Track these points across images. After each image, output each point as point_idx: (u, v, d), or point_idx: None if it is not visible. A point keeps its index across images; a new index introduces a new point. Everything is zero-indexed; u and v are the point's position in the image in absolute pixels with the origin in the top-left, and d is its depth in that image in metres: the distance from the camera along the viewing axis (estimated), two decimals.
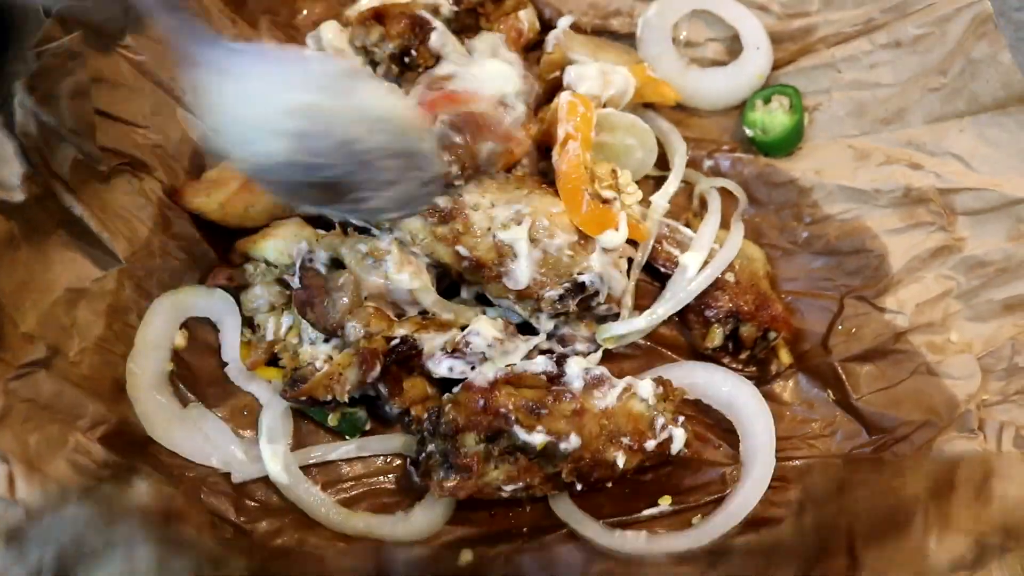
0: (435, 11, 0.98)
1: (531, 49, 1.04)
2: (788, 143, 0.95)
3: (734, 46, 1.02)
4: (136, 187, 0.88)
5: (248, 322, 0.90)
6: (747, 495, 0.79)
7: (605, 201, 0.84)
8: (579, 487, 0.78)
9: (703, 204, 0.95)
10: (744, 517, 0.78)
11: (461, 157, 0.83)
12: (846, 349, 0.88)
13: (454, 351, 0.82)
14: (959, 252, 0.85)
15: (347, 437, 0.87)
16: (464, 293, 0.90)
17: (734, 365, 0.90)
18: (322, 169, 0.67)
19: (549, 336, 0.87)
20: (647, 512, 0.82)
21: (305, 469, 0.85)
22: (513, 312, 0.87)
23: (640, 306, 0.90)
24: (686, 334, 0.92)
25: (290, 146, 0.65)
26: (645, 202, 0.94)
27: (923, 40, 0.88)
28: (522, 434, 0.75)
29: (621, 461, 0.77)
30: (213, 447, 0.84)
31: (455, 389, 0.81)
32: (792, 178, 0.94)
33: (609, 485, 0.81)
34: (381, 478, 0.86)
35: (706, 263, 0.88)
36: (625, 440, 0.77)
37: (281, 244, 0.88)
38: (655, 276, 0.92)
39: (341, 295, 0.82)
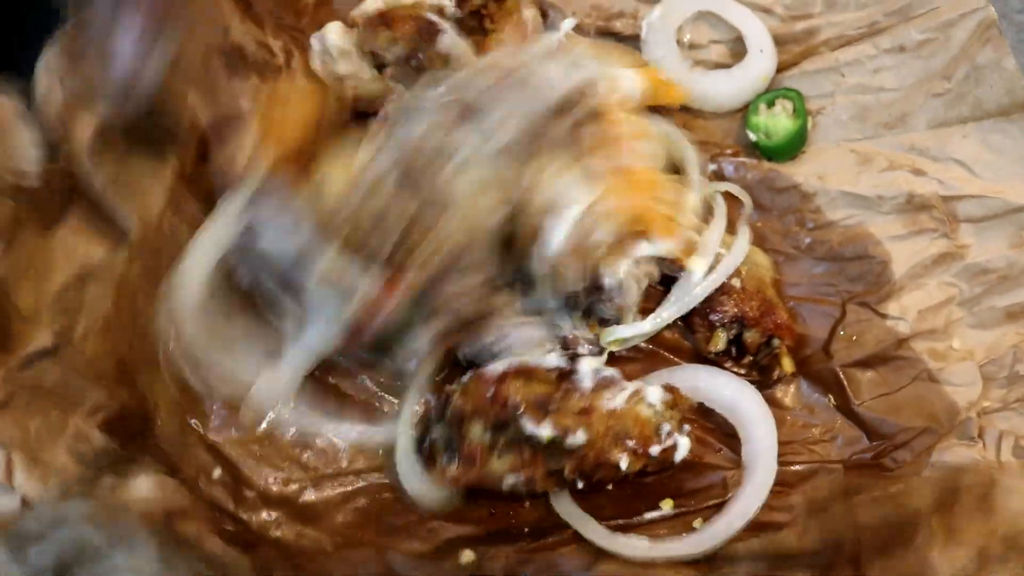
0: (440, 12, 0.98)
1: None
2: (791, 147, 0.96)
3: (738, 48, 1.02)
4: (149, 165, 0.87)
5: None
6: (749, 500, 0.79)
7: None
8: (580, 485, 0.78)
9: (708, 208, 0.95)
10: (746, 522, 0.78)
11: None
12: (848, 355, 0.88)
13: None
14: (961, 259, 0.86)
15: None
16: None
17: (736, 370, 0.90)
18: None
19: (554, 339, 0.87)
20: (649, 515, 0.81)
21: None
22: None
23: (645, 309, 0.90)
24: (688, 337, 0.92)
25: None
26: None
27: (927, 45, 0.89)
28: (530, 426, 0.75)
29: (624, 463, 0.77)
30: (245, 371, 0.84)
31: (465, 377, 0.81)
32: (795, 183, 0.95)
33: (610, 487, 0.81)
34: (381, 471, 0.86)
35: (712, 268, 0.88)
36: (630, 443, 0.77)
37: None
38: (660, 280, 0.92)
39: None
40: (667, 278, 0.91)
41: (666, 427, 0.78)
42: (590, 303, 0.85)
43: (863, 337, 0.88)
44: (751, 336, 0.87)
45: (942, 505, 0.68)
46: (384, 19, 0.97)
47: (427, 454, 0.79)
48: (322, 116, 0.97)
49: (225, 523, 0.79)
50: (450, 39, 0.94)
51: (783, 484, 0.82)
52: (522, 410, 0.76)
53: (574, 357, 0.81)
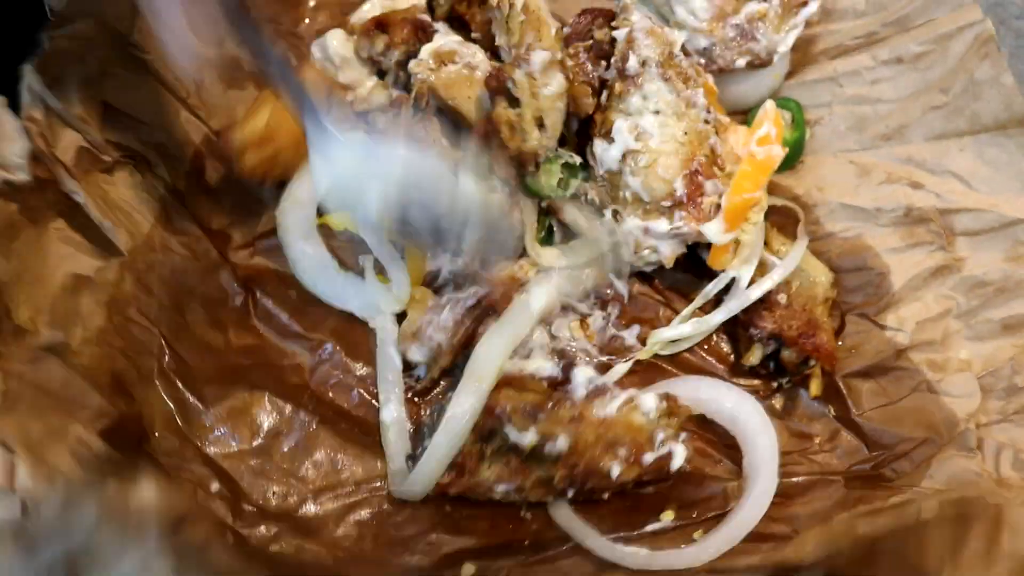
0: (431, 10, 0.98)
1: None
2: (789, 158, 0.96)
3: None
4: (138, 181, 0.87)
5: None
6: (749, 512, 0.79)
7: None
8: (571, 494, 0.78)
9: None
10: (746, 534, 0.78)
11: None
12: (847, 365, 0.88)
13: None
14: (958, 272, 0.86)
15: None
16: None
17: (748, 382, 0.90)
18: (416, 236, 0.81)
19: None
20: (649, 527, 0.81)
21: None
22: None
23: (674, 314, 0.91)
24: (694, 351, 0.92)
25: (391, 217, 0.78)
26: None
27: (925, 57, 0.89)
28: (513, 433, 0.75)
29: (616, 472, 0.77)
30: (354, 293, 0.89)
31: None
32: (795, 195, 0.95)
33: (605, 496, 0.81)
34: (380, 483, 0.85)
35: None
36: (622, 451, 0.77)
37: None
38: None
39: None
40: (693, 260, 0.90)
41: (660, 435, 0.78)
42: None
43: (862, 348, 0.89)
44: (788, 355, 0.86)
45: (950, 537, 0.68)
46: (380, 25, 0.96)
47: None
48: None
49: (225, 536, 0.78)
50: (444, 37, 0.94)
51: (783, 495, 0.82)
52: (508, 419, 0.76)
53: (568, 366, 0.81)
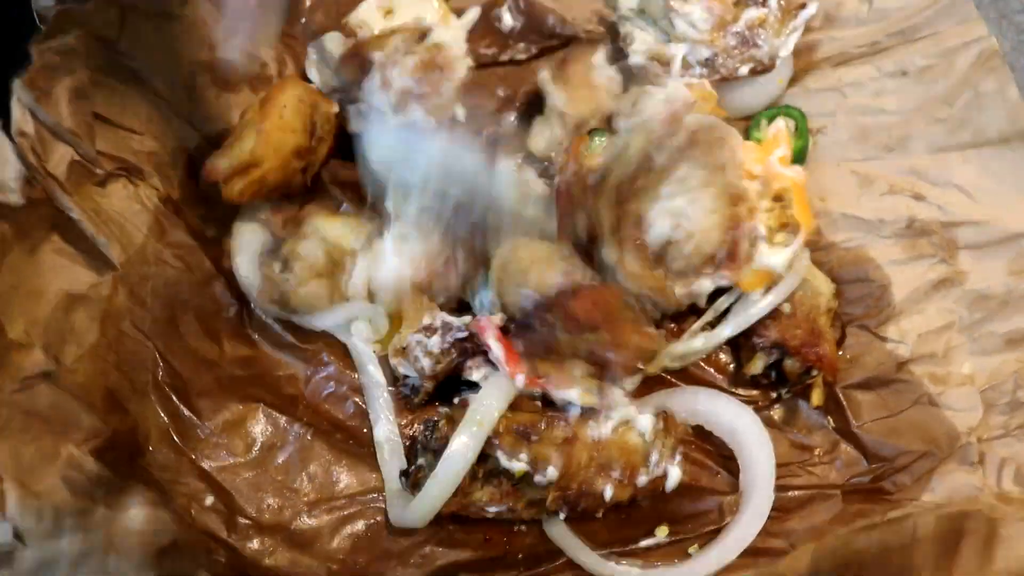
0: (421, 37, 0.96)
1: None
2: (798, 163, 0.94)
3: None
4: (132, 193, 0.87)
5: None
6: (745, 528, 0.78)
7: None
8: (563, 515, 0.77)
9: None
10: (741, 550, 0.77)
11: None
12: (847, 376, 0.87)
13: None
14: (961, 285, 0.85)
15: None
16: None
17: (747, 392, 0.89)
18: (455, 219, 0.85)
19: None
20: (644, 542, 0.81)
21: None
22: None
23: (682, 329, 0.90)
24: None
25: (434, 198, 0.84)
26: None
27: (929, 71, 0.88)
28: (503, 459, 0.75)
29: (609, 494, 0.76)
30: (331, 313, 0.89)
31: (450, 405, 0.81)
32: None
33: (599, 515, 0.80)
34: (375, 496, 0.85)
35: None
36: (615, 473, 0.76)
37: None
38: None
39: None
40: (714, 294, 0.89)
41: (655, 456, 0.78)
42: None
43: (863, 359, 0.88)
44: (791, 364, 0.85)
45: (944, 554, 0.68)
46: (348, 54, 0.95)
47: (413, 481, 0.79)
48: (315, 124, 0.96)
49: (218, 552, 0.78)
50: (371, 86, 0.92)
51: (781, 510, 0.81)
52: (499, 444, 0.75)
53: None
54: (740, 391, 0.90)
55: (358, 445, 0.87)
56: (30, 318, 0.75)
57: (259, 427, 0.87)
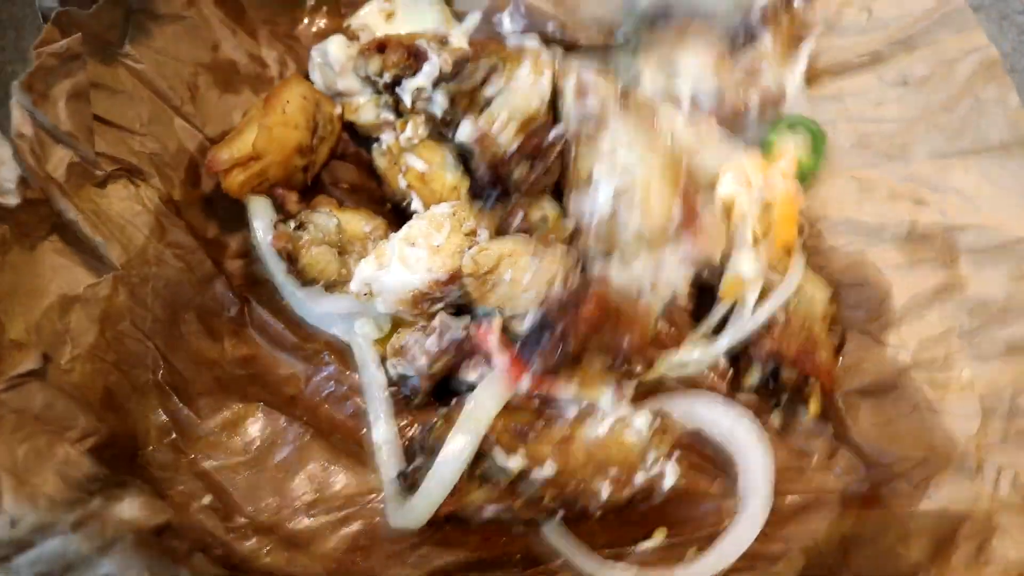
0: (443, 42, 0.97)
1: None
2: (803, 181, 0.93)
3: None
4: (132, 193, 0.87)
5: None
6: (742, 533, 0.78)
7: None
8: (560, 514, 0.77)
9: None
10: (739, 554, 0.77)
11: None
12: (847, 382, 0.87)
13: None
14: (962, 291, 0.85)
15: None
16: None
17: (747, 396, 0.89)
18: None
19: None
20: (642, 545, 0.81)
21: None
22: None
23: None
24: None
25: None
26: None
27: (930, 80, 0.88)
28: (500, 457, 0.75)
29: (606, 492, 0.76)
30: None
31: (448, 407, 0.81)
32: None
33: (598, 514, 0.80)
34: (372, 496, 0.85)
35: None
36: (612, 471, 0.76)
37: None
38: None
39: None
40: (703, 293, 0.89)
41: (652, 454, 0.77)
42: None
43: (862, 365, 0.88)
44: (787, 374, 0.85)
45: (940, 554, 0.68)
46: (379, 46, 0.96)
47: (410, 482, 0.79)
48: (318, 123, 0.96)
49: (214, 549, 0.78)
50: (431, 70, 0.92)
51: (778, 515, 0.81)
52: (496, 442, 0.75)
53: None
54: (740, 396, 0.89)
55: (356, 446, 0.87)
56: (30, 318, 0.76)
57: (258, 426, 0.87)
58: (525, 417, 0.78)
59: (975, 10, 0.89)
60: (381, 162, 0.96)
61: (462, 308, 0.87)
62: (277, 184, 0.92)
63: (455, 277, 0.82)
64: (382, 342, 0.89)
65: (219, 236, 0.95)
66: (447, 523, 0.81)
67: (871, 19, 0.93)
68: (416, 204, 0.91)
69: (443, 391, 0.85)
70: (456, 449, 0.75)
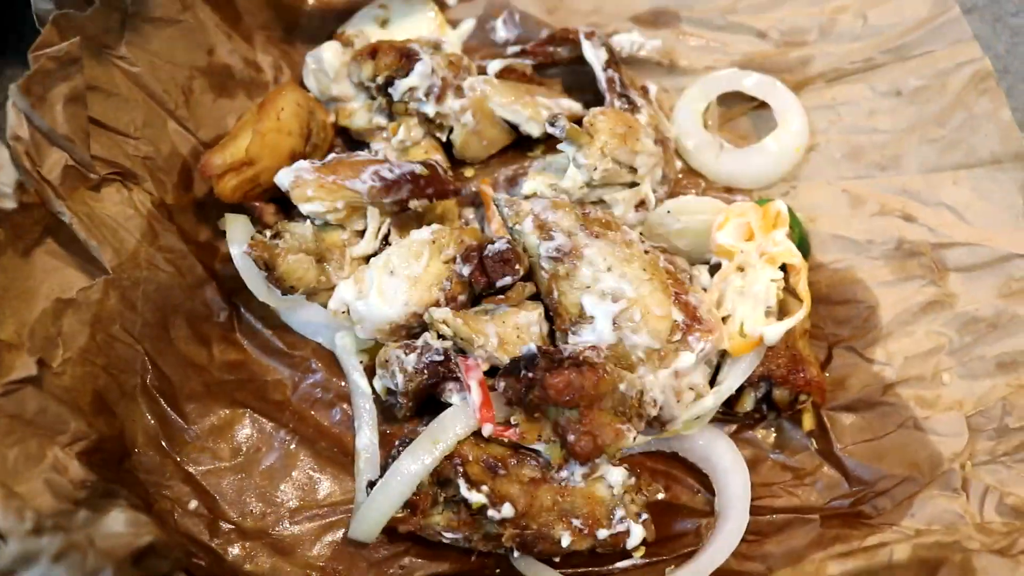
0: (436, 47, 0.97)
1: None
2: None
3: (761, 114, 1.01)
4: (125, 197, 0.88)
5: None
6: (717, 550, 0.78)
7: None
8: (516, 554, 0.77)
9: None
10: (713, 570, 0.77)
11: None
12: (832, 398, 0.87)
13: None
14: (951, 308, 0.84)
15: None
16: None
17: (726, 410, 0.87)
18: None
19: None
20: (620, 564, 0.80)
21: None
22: None
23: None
24: None
25: None
26: None
27: (923, 92, 0.87)
28: (463, 488, 0.75)
29: (566, 541, 0.75)
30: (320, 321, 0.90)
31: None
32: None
33: (556, 561, 0.79)
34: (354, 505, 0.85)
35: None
36: (576, 522, 0.76)
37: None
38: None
39: None
40: None
41: (619, 512, 0.76)
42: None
43: (848, 381, 0.87)
44: (780, 394, 0.84)
45: None
46: (372, 51, 0.96)
47: None
48: (311, 130, 0.97)
49: (199, 556, 0.79)
50: (423, 69, 0.92)
51: (758, 533, 0.81)
52: (461, 472, 0.75)
53: None
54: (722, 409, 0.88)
55: (342, 453, 0.88)
56: (21, 320, 0.76)
57: (245, 432, 0.88)
58: (500, 451, 0.77)
59: (968, 12, 0.88)
60: None
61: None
62: (269, 190, 0.92)
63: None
64: (372, 351, 0.90)
65: (210, 240, 0.96)
66: (412, 541, 0.81)
67: (865, 26, 0.92)
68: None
69: (432, 407, 0.85)
70: (405, 465, 0.75)
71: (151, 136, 0.91)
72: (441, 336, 0.83)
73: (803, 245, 0.90)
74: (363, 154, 0.93)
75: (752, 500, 0.81)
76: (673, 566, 0.80)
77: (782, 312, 0.84)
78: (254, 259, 0.84)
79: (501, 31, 1.05)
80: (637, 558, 0.81)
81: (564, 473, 0.77)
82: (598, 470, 0.78)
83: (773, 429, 0.88)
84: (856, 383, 0.86)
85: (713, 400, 0.82)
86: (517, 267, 0.81)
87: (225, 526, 0.83)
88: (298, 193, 0.87)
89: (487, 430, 0.76)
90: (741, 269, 0.84)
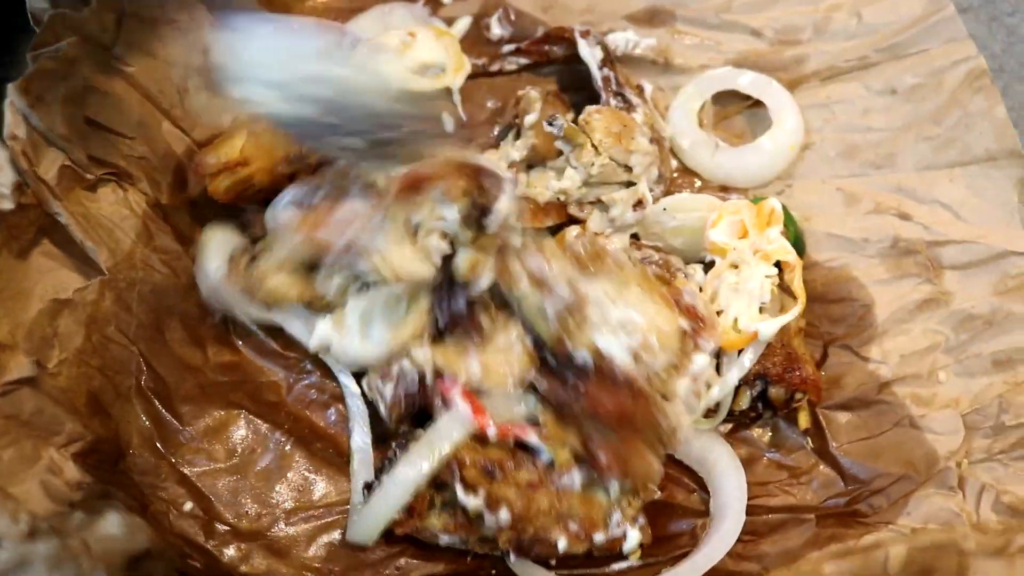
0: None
1: None
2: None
3: (756, 112, 1.00)
4: (120, 198, 0.87)
5: None
6: (712, 550, 0.78)
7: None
8: (512, 558, 0.77)
9: None
10: (708, 569, 0.77)
11: None
12: (828, 396, 0.87)
13: None
14: (946, 306, 0.84)
15: None
16: None
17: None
18: (341, 128, 0.74)
19: None
20: (616, 565, 0.80)
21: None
22: None
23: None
24: None
25: (314, 110, 0.72)
26: None
27: (918, 90, 0.87)
28: (459, 492, 0.75)
29: (563, 545, 0.75)
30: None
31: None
32: None
33: (552, 564, 0.80)
34: (350, 506, 0.85)
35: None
36: (573, 525, 0.76)
37: None
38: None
39: None
40: None
41: (616, 516, 0.76)
42: None
43: (844, 380, 0.87)
44: (776, 392, 0.84)
45: None
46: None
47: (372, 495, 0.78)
48: None
49: (194, 558, 0.79)
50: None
51: (753, 533, 0.81)
52: (458, 476, 0.75)
53: None
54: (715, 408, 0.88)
55: (337, 454, 0.88)
56: (16, 321, 0.76)
57: (240, 433, 0.88)
58: (498, 454, 0.77)
59: (964, 11, 0.88)
60: None
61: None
62: (262, 191, 0.92)
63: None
64: None
65: None
66: (407, 542, 0.81)
67: (860, 24, 0.92)
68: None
69: (425, 416, 0.84)
70: (404, 471, 0.75)
71: (146, 136, 0.91)
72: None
73: (798, 243, 0.89)
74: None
75: (748, 499, 0.81)
76: (668, 567, 0.80)
77: (777, 310, 0.83)
78: (237, 290, 0.84)
79: (496, 29, 1.05)
80: (633, 560, 0.80)
81: (565, 479, 0.76)
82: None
83: (768, 428, 0.88)
84: (852, 381, 0.86)
85: (718, 390, 0.82)
86: (483, 327, 0.81)
87: (220, 528, 0.83)
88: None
89: (492, 433, 0.76)
90: (735, 266, 0.83)
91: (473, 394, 0.79)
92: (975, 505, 0.77)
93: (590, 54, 0.98)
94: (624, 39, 1.04)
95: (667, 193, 0.97)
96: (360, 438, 0.85)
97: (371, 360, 0.83)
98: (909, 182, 0.87)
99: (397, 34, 1.01)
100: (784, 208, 0.87)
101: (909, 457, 0.81)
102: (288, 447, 0.88)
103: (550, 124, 0.86)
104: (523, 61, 1.03)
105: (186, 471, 0.85)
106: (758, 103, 0.99)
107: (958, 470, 0.79)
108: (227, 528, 0.83)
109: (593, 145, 0.87)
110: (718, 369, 0.84)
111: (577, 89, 1.04)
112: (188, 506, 0.83)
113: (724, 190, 0.98)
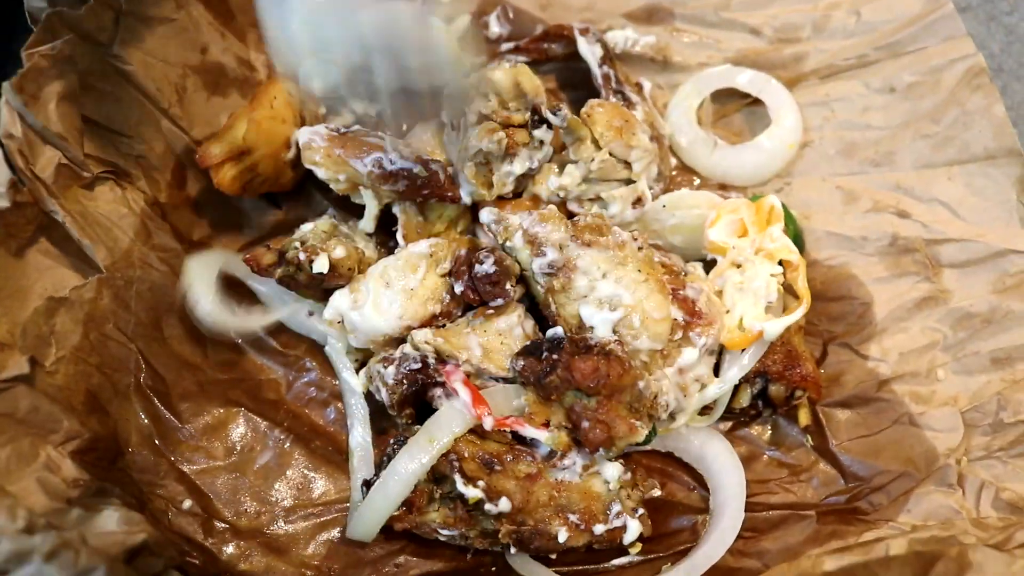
0: None
1: None
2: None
3: (754, 110, 1.01)
4: (118, 196, 0.87)
5: None
6: (711, 548, 0.78)
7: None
8: (513, 551, 0.77)
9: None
10: (708, 566, 0.77)
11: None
12: (827, 394, 0.87)
13: None
14: (945, 304, 0.84)
15: None
16: None
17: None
18: (373, 94, 0.76)
19: None
20: (616, 561, 0.80)
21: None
22: None
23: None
24: None
25: (346, 76, 0.75)
26: None
27: (917, 88, 0.87)
28: (459, 484, 0.75)
29: (563, 537, 0.76)
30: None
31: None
32: None
33: (553, 558, 0.80)
34: (349, 503, 0.85)
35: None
36: (572, 517, 0.76)
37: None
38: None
39: None
40: None
41: (616, 507, 0.77)
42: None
43: (843, 377, 0.87)
44: (776, 390, 0.83)
45: None
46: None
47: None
48: (304, 120, 0.96)
49: (192, 555, 0.79)
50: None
51: (754, 530, 0.81)
52: (457, 467, 0.75)
53: None
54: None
55: (336, 452, 0.88)
56: (13, 319, 0.76)
57: (239, 431, 0.88)
58: (496, 447, 0.77)
59: (963, 11, 0.88)
60: None
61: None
62: (267, 180, 0.92)
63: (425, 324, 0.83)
64: (364, 350, 0.89)
65: (205, 239, 0.95)
66: (407, 539, 0.81)
67: (859, 22, 0.92)
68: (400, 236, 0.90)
69: (429, 413, 0.84)
70: (403, 464, 0.75)
71: (144, 134, 0.91)
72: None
73: (798, 241, 0.89)
74: (378, 138, 0.90)
75: (748, 496, 0.82)
76: (669, 563, 0.80)
77: (780, 309, 0.83)
78: (288, 280, 0.84)
79: (494, 27, 1.05)
80: (633, 555, 0.80)
81: (565, 463, 0.76)
82: (595, 465, 0.77)
83: (769, 425, 0.88)
84: (851, 379, 0.86)
85: (717, 388, 0.82)
86: (508, 287, 0.81)
87: (219, 525, 0.83)
88: (307, 155, 0.88)
89: (488, 423, 0.76)
90: (738, 266, 0.83)
91: (474, 384, 0.79)
92: (975, 502, 0.77)
93: (590, 52, 0.98)
94: (623, 37, 1.04)
95: (666, 191, 0.97)
96: (359, 436, 0.85)
97: (382, 332, 0.83)
98: (908, 180, 0.87)
99: None
100: (784, 207, 0.87)
101: (909, 454, 0.82)
102: (287, 445, 0.87)
103: (554, 114, 0.86)
104: (522, 59, 1.03)
105: (185, 469, 0.84)
106: (757, 101, 0.99)
107: (957, 467, 0.79)
108: (226, 526, 0.83)
109: (594, 139, 0.87)
110: (717, 368, 0.84)
111: (576, 87, 1.04)
112: (187, 504, 0.82)
113: (723, 188, 0.98)
